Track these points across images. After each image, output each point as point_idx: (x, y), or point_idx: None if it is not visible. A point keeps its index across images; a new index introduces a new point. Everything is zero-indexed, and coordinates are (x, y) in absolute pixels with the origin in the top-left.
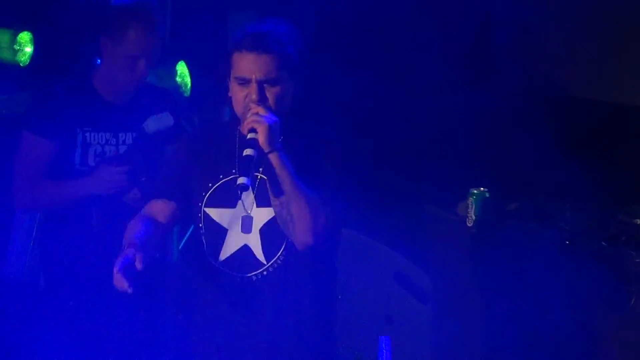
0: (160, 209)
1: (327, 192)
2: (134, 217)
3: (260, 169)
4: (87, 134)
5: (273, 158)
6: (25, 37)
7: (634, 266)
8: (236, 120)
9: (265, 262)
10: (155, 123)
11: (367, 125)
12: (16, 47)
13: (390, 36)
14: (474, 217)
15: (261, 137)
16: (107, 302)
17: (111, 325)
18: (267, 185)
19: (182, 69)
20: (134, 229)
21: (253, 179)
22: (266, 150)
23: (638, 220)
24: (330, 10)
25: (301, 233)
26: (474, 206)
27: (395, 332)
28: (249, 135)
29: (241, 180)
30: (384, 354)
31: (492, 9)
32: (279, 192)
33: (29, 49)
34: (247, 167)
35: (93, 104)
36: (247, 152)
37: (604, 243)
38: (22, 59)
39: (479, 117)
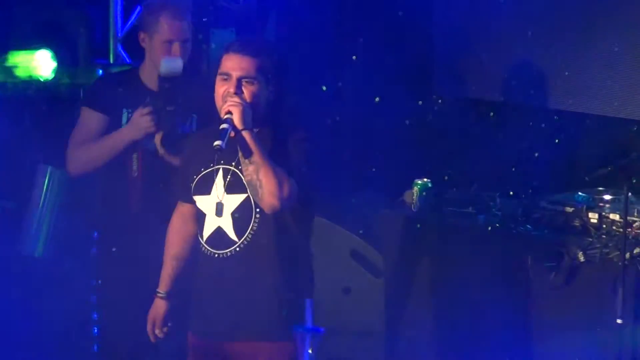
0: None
1: (291, 169)
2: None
3: (233, 163)
4: (130, 114)
5: (246, 135)
6: (44, 54)
7: (553, 245)
8: (217, 125)
9: (237, 240)
10: (167, 65)
11: (332, 124)
12: (35, 65)
13: (349, 54)
14: (418, 204)
15: (236, 117)
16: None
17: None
18: (240, 160)
19: None
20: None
21: (227, 144)
22: (240, 127)
23: (557, 207)
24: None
25: (268, 196)
26: (417, 194)
27: (352, 301)
28: (225, 116)
29: (217, 143)
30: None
31: (433, 34)
32: (250, 160)
33: (51, 66)
34: (222, 136)
35: (136, 90)
36: (223, 126)
37: (528, 226)
38: (45, 76)
39: (425, 120)
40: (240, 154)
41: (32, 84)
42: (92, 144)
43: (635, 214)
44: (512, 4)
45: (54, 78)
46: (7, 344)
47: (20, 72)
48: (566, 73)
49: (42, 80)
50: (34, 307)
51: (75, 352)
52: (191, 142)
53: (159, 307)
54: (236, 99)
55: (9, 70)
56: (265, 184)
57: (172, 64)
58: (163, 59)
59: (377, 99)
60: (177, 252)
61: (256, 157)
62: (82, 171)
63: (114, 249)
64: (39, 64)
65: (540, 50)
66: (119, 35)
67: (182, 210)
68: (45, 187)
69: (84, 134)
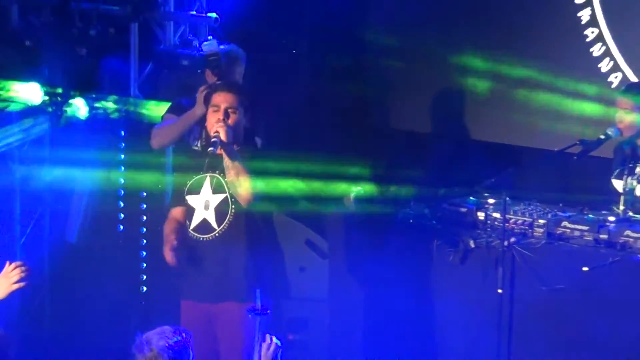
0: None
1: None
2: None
3: (217, 172)
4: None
5: (228, 149)
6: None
7: (452, 236)
8: (207, 144)
9: (217, 228)
10: (207, 46)
11: (286, 144)
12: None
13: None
14: (353, 205)
15: (222, 135)
16: None
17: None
18: (224, 166)
19: None
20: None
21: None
22: (225, 141)
23: (455, 208)
24: None
25: (244, 192)
26: (353, 198)
27: (306, 277)
28: (214, 135)
29: (210, 149)
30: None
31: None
32: (232, 166)
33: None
34: (213, 146)
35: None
36: (213, 139)
37: (434, 222)
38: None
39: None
40: (224, 162)
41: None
42: (170, 123)
43: (511, 213)
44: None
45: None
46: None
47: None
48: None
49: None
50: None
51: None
52: (183, 160)
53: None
54: (222, 123)
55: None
56: (242, 183)
57: (211, 45)
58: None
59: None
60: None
61: (237, 164)
62: (162, 144)
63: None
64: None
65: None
66: (137, 82)
67: (174, 214)
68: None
69: (164, 123)
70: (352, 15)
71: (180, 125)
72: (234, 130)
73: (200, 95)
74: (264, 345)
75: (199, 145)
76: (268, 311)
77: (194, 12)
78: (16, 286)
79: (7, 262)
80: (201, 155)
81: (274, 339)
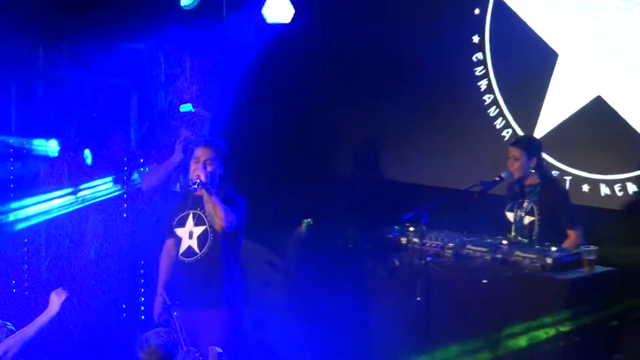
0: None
1: (232, 209)
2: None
3: (198, 209)
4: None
5: (207, 188)
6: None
7: (382, 256)
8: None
9: (199, 252)
10: (183, 109)
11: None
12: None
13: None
14: (304, 232)
15: (202, 177)
16: None
17: None
18: (204, 204)
19: None
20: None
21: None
22: (205, 181)
23: (384, 235)
24: None
25: (220, 221)
26: (304, 227)
27: (270, 288)
28: (195, 178)
29: (193, 186)
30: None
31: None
32: (211, 202)
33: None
34: (196, 186)
35: None
36: (196, 180)
37: (369, 246)
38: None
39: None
40: (204, 199)
41: None
42: (155, 169)
43: (427, 238)
44: None
45: None
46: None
47: None
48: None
49: None
50: None
51: None
52: (173, 200)
53: (159, 301)
54: (202, 169)
55: None
56: (219, 215)
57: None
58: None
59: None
60: (166, 270)
61: (213, 199)
62: (150, 185)
63: None
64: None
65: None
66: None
67: (168, 244)
68: None
69: (150, 169)
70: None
71: (162, 170)
72: (211, 175)
73: (178, 146)
74: (211, 356)
75: (177, 187)
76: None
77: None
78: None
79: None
80: (185, 196)
81: (217, 349)
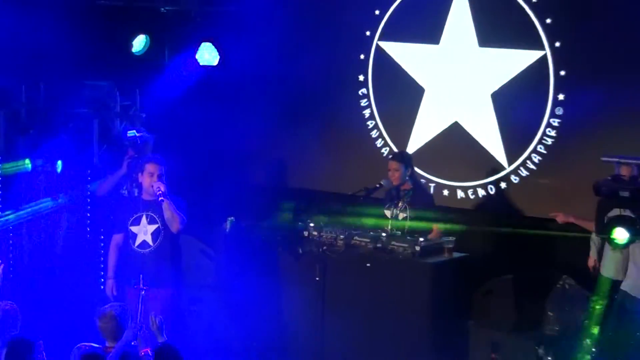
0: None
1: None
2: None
3: (150, 211)
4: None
5: (167, 198)
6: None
7: (289, 246)
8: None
9: (152, 245)
10: (130, 134)
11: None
12: None
13: None
14: (229, 228)
15: (162, 189)
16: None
17: None
18: (155, 207)
19: None
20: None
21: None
22: (164, 191)
23: (292, 229)
24: None
25: (177, 225)
26: (229, 224)
27: (202, 272)
28: (158, 190)
29: (162, 197)
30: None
31: None
32: (168, 208)
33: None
34: (163, 196)
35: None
36: (160, 192)
37: (279, 238)
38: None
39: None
40: (163, 206)
41: None
42: (106, 180)
43: (324, 231)
44: None
45: None
46: None
47: None
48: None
49: None
50: None
51: None
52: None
53: (111, 284)
54: (161, 183)
55: None
56: (177, 220)
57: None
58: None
59: None
60: (114, 258)
61: (171, 207)
62: (102, 192)
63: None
64: None
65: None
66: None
67: (116, 238)
68: None
69: (102, 180)
70: None
71: (112, 180)
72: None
73: (125, 162)
74: (152, 321)
75: (125, 192)
76: (145, 288)
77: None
78: None
79: None
80: (135, 200)
81: (159, 317)
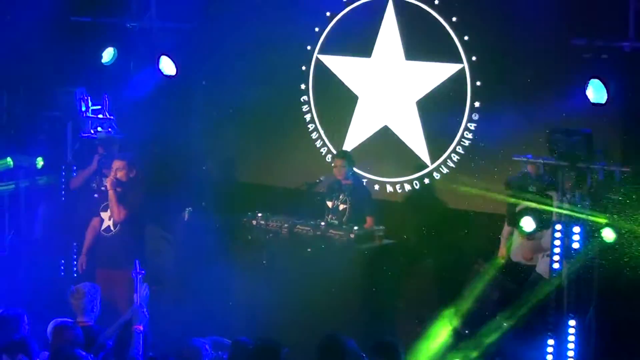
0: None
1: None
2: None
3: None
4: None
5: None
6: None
7: (240, 234)
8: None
9: (113, 230)
10: (99, 134)
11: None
12: None
13: None
14: (187, 216)
15: (108, 185)
16: None
17: None
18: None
19: None
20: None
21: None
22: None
23: (243, 219)
24: None
25: (115, 216)
26: (188, 213)
27: (161, 256)
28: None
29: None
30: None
31: None
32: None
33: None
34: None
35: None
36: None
37: (230, 226)
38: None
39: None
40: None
41: None
42: (78, 175)
43: (270, 221)
44: None
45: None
46: None
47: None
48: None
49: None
50: None
51: None
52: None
53: (83, 259)
54: (111, 177)
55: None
56: (114, 211)
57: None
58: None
59: None
60: (89, 238)
61: (111, 200)
62: (75, 186)
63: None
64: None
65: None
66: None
67: (94, 221)
68: None
69: (75, 174)
70: None
71: (84, 175)
72: (117, 181)
73: (95, 160)
74: (140, 288)
75: (95, 185)
76: (143, 272)
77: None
78: None
79: None
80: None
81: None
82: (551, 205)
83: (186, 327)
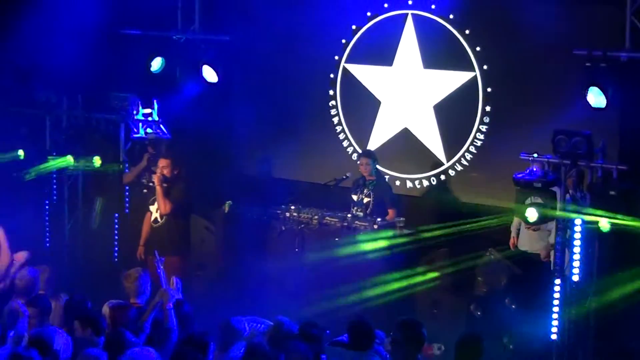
0: None
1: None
2: None
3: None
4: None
5: (160, 187)
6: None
7: (274, 224)
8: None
9: (160, 221)
10: (149, 135)
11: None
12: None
13: None
14: (227, 210)
15: (156, 182)
16: None
17: None
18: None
19: None
20: None
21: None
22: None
23: (276, 211)
24: None
25: (161, 210)
26: (228, 207)
27: (205, 244)
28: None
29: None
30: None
31: None
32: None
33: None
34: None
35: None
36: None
37: (265, 218)
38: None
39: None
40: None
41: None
42: (130, 171)
43: (302, 212)
44: None
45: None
46: None
47: None
48: None
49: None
50: None
51: None
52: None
53: (141, 249)
54: (156, 175)
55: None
56: (160, 205)
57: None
58: None
59: None
60: (144, 230)
61: (158, 195)
62: (127, 182)
63: None
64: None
65: None
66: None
67: (148, 214)
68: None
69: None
70: None
71: (134, 173)
72: (164, 177)
73: (145, 158)
74: (171, 282)
75: (145, 181)
76: (162, 259)
77: (151, 118)
78: None
79: None
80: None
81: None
82: (554, 199)
83: (226, 308)
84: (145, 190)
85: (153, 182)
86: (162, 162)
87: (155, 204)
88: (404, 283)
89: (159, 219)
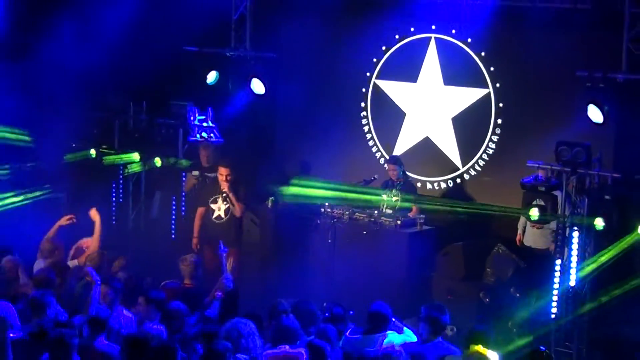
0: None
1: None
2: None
3: (223, 194)
4: None
5: (231, 196)
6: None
7: (312, 218)
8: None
9: (224, 217)
10: (203, 137)
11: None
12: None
13: None
14: (270, 205)
15: (227, 190)
16: None
17: None
18: (224, 191)
19: None
20: None
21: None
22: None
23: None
24: None
25: (237, 213)
26: (271, 202)
27: (254, 234)
28: (224, 191)
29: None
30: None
31: None
32: (234, 202)
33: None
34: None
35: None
36: (224, 192)
37: (304, 212)
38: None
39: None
40: (229, 200)
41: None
42: (188, 180)
43: (334, 209)
44: None
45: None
46: None
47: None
48: None
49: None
50: None
51: None
52: (202, 186)
53: (195, 241)
54: (226, 184)
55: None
56: (237, 209)
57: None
58: None
59: None
60: (198, 223)
61: (234, 201)
62: (188, 187)
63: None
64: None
65: None
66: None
67: (200, 210)
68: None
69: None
70: None
71: (191, 180)
72: (230, 184)
73: (202, 158)
74: (226, 263)
75: (200, 179)
76: (226, 250)
77: (206, 124)
78: None
79: None
80: (211, 187)
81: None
82: (556, 202)
83: (271, 291)
84: (195, 185)
85: (207, 179)
86: (224, 171)
87: (218, 202)
88: (422, 273)
89: (222, 216)
